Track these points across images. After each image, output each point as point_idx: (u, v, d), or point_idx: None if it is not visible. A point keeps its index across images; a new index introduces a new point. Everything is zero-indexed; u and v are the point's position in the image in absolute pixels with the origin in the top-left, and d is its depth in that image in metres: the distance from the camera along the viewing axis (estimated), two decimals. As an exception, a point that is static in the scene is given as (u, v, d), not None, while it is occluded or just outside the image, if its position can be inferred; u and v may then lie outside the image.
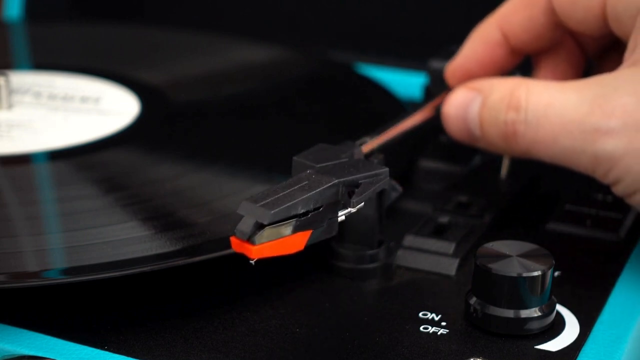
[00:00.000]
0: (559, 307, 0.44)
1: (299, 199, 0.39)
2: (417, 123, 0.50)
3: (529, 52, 0.52)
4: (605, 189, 0.52)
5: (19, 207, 0.48)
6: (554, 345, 0.42)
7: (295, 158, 0.43)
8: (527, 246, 0.43)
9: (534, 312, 0.42)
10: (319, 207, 0.40)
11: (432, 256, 0.47)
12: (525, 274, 0.41)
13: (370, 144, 0.47)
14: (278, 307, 0.44)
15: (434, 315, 0.43)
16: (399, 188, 0.46)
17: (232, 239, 0.39)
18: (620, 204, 0.51)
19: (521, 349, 0.41)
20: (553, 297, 0.43)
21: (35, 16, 0.76)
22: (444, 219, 0.49)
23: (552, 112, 0.45)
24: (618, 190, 0.45)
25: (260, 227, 0.38)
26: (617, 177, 0.44)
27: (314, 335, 0.42)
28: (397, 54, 0.70)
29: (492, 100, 0.47)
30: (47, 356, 0.41)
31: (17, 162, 0.51)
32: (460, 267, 0.47)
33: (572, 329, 0.43)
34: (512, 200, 0.52)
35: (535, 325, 0.42)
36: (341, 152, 0.44)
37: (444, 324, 0.43)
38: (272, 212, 0.38)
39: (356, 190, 0.42)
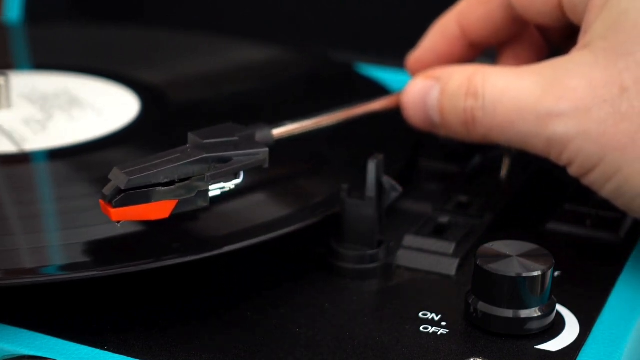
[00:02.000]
0: (559, 307, 0.44)
1: (162, 169, 0.41)
2: (342, 119, 0.50)
3: (489, 45, 0.53)
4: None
5: (19, 206, 0.48)
6: (554, 345, 0.42)
7: (189, 133, 0.45)
8: (527, 246, 0.43)
9: (534, 312, 0.42)
10: (186, 179, 0.42)
11: (432, 256, 0.47)
12: (525, 274, 0.41)
13: (282, 129, 0.48)
14: (278, 307, 0.44)
15: (434, 315, 0.43)
16: (399, 188, 0.46)
17: (100, 202, 0.41)
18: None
19: (521, 349, 0.41)
20: (553, 297, 0.43)
21: (35, 17, 0.76)
22: (444, 219, 0.49)
23: (508, 97, 0.46)
24: (572, 171, 0.46)
25: (120, 191, 0.41)
26: (570, 158, 0.45)
27: (314, 335, 0.42)
28: (397, 54, 0.69)
29: (450, 88, 0.48)
30: (47, 356, 0.41)
31: (17, 161, 0.51)
32: (460, 267, 0.47)
33: (572, 329, 0.43)
34: (512, 200, 0.52)
35: (535, 325, 0.42)
36: (239, 132, 0.45)
37: (444, 324, 0.43)
38: (130, 178, 0.41)
39: (224, 165, 0.43)
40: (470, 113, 0.47)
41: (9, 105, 0.57)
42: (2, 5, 0.77)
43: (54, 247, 0.44)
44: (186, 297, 0.44)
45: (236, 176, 0.44)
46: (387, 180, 0.46)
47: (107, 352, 0.41)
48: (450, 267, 0.46)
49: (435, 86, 0.49)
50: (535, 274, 0.41)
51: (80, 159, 0.51)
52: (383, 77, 0.64)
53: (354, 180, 0.47)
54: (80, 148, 0.52)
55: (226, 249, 0.43)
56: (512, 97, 0.46)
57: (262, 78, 0.63)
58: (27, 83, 0.60)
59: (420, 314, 0.43)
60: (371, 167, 0.45)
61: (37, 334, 0.42)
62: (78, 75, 0.61)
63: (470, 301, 0.42)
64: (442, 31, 0.53)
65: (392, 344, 0.41)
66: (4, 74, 0.57)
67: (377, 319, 0.43)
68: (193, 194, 0.42)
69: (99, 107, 0.57)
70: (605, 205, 0.51)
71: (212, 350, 0.41)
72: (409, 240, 0.48)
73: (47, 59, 0.64)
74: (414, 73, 0.54)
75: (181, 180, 0.42)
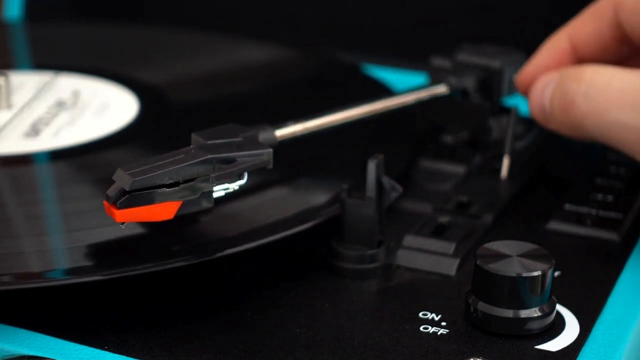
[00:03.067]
0: (559, 307, 0.44)
1: (166, 170, 0.41)
2: (346, 119, 0.50)
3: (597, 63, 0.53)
4: (605, 189, 0.52)
5: (19, 207, 0.48)
6: (554, 345, 0.42)
7: (192, 134, 0.45)
8: (527, 246, 0.43)
9: (534, 312, 0.42)
10: (190, 180, 0.42)
11: (432, 256, 0.47)
12: (525, 274, 0.41)
13: (286, 130, 0.48)
14: (278, 307, 0.44)
15: (434, 315, 0.43)
16: (399, 188, 0.46)
17: (104, 203, 0.41)
18: (620, 204, 0.51)
19: (521, 349, 0.41)
20: (553, 297, 0.43)
21: (35, 16, 0.76)
22: (444, 219, 0.49)
23: (610, 87, 0.47)
24: None
25: (124, 192, 0.41)
26: None
27: (314, 335, 0.42)
28: (397, 54, 0.69)
29: (563, 75, 0.50)
30: (47, 356, 0.41)
31: (17, 162, 0.51)
32: (460, 267, 0.47)
33: (572, 329, 0.43)
34: (512, 200, 0.52)
35: (535, 325, 0.42)
36: (242, 133, 0.45)
37: (444, 324, 0.43)
38: (134, 179, 0.41)
39: (228, 166, 0.43)
40: (572, 96, 0.48)
41: (8, 105, 0.57)
42: (2, 4, 0.77)
43: (58, 250, 0.44)
44: (186, 297, 0.44)
45: (240, 177, 0.44)
46: (387, 180, 0.46)
47: (107, 352, 0.41)
48: (450, 267, 0.46)
49: (556, 76, 0.50)
50: (535, 274, 0.41)
51: (81, 160, 0.51)
52: (387, 78, 0.64)
53: (354, 180, 0.47)
54: (80, 149, 0.52)
55: (227, 252, 0.43)
56: (615, 87, 0.47)
57: (265, 78, 0.63)
58: (26, 83, 0.60)
59: (420, 314, 0.43)
60: (371, 167, 0.45)
61: (37, 334, 0.42)
62: (78, 75, 0.61)
63: (470, 301, 0.42)
64: (553, 46, 0.53)
65: (392, 344, 0.41)
66: (3, 74, 0.57)
67: (377, 319, 0.43)
68: (197, 195, 0.42)
69: (99, 107, 0.57)
70: (605, 205, 0.51)
71: (212, 350, 0.41)
72: (409, 240, 0.48)
73: (47, 59, 0.64)
74: (522, 88, 0.54)
75: (185, 181, 0.42)
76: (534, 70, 0.54)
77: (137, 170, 0.41)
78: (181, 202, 0.42)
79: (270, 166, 0.45)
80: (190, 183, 0.42)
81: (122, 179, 0.41)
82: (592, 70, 0.48)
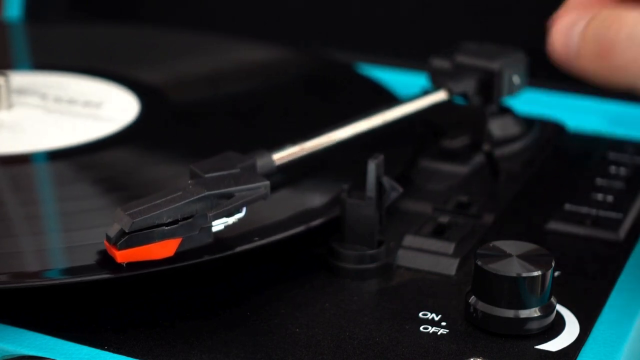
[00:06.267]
0: (559, 307, 0.44)
1: (164, 209, 0.42)
2: (344, 137, 0.50)
3: None
4: (605, 189, 0.52)
5: (19, 207, 0.48)
6: (554, 345, 0.42)
7: (191, 166, 0.45)
8: (527, 246, 0.43)
9: (534, 312, 0.42)
10: (188, 217, 0.42)
11: (432, 256, 0.47)
12: (525, 274, 0.41)
13: (283, 154, 0.48)
14: (278, 307, 0.44)
15: (434, 315, 0.43)
16: (399, 188, 0.46)
17: (105, 243, 0.41)
18: (620, 204, 0.51)
19: (521, 349, 0.41)
20: (553, 297, 0.43)
21: (35, 16, 0.76)
22: (444, 219, 0.49)
23: None
24: None
25: (124, 233, 0.41)
26: None
27: (314, 335, 0.42)
28: (397, 54, 0.69)
29: (599, 17, 0.46)
30: (47, 356, 0.41)
31: (17, 162, 0.51)
32: (460, 267, 0.47)
33: (572, 329, 0.43)
34: (512, 200, 0.52)
35: (535, 326, 0.42)
36: (240, 162, 0.45)
37: (444, 324, 0.43)
38: (134, 221, 0.41)
39: (226, 201, 0.43)
40: (611, 42, 0.45)
41: (9, 105, 0.57)
42: (2, 4, 0.77)
43: (55, 249, 0.44)
44: (186, 297, 0.44)
45: (238, 211, 0.44)
46: (387, 180, 0.46)
47: (107, 352, 0.41)
48: (450, 267, 0.46)
49: (586, 16, 0.46)
50: (535, 274, 0.41)
51: (81, 160, 0.51)
52: (383, 77, 0.64)
53: (354, 180, 0.47)
54: (80, 149, 0.52)
55: (227, 252, 0.43)
56: None
57: (262, 78, 0.63)
58: (26, 83, 0.60)
59: (420, 314, 0.43)
60: (371, 167, 0.45)
61: (37, 334, 0.42)
62: (78, 75, 0.61)
63: (470, 301, 0.42)
64: None
65: (392, 344, 0.41)
66: (3, 74, 0.57)
67: (377, 319, 0.43)
68: (196, 232, 0.42)
69: (99, 107, 0.57)
70: (605, 205, 0.51)
71: (212, 350, 0.41)
72: (409, 240, 0.48)
73: (47, 59, 0.64)
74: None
75: (184, 219, 0.42)
76: (571, 9, 0.49)
77: (135, 210, 0.41)
78: (181, 239, 0.42)
79: (268, 198, 0.45)
80: (189, 220, 0.42)
81: (122, 220, 0.41)
82: (635, 16, 0.44)
